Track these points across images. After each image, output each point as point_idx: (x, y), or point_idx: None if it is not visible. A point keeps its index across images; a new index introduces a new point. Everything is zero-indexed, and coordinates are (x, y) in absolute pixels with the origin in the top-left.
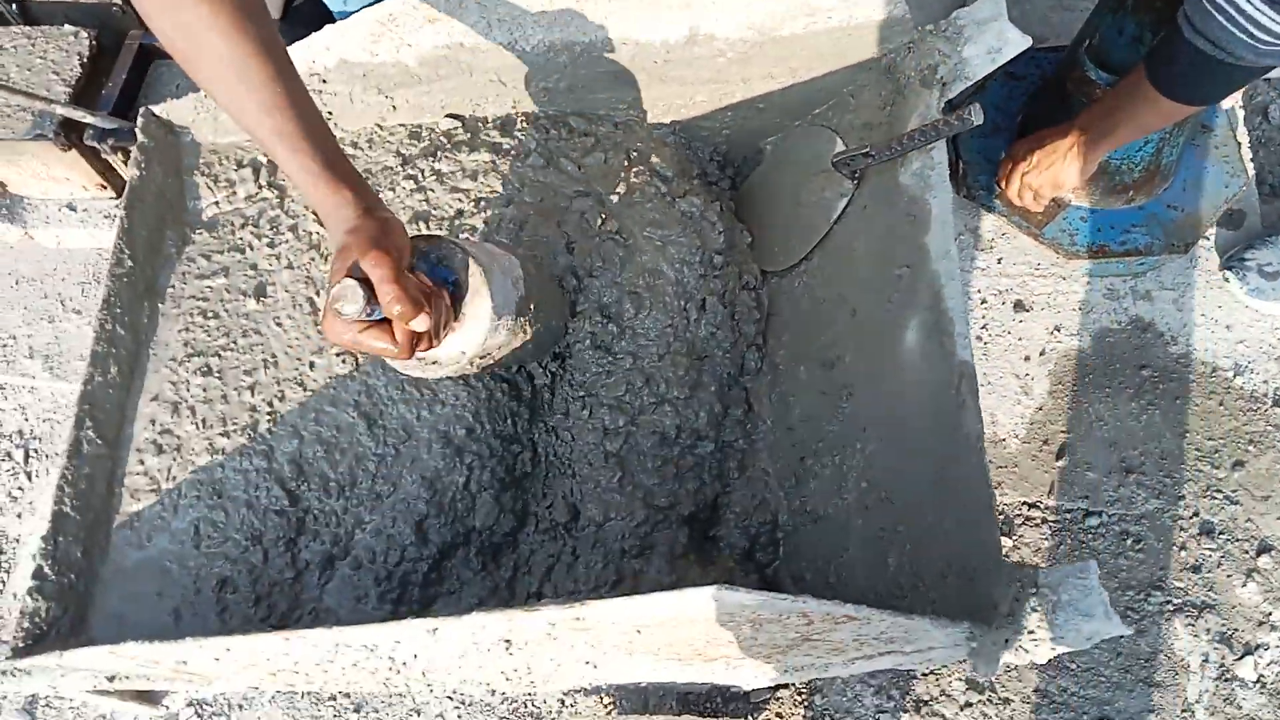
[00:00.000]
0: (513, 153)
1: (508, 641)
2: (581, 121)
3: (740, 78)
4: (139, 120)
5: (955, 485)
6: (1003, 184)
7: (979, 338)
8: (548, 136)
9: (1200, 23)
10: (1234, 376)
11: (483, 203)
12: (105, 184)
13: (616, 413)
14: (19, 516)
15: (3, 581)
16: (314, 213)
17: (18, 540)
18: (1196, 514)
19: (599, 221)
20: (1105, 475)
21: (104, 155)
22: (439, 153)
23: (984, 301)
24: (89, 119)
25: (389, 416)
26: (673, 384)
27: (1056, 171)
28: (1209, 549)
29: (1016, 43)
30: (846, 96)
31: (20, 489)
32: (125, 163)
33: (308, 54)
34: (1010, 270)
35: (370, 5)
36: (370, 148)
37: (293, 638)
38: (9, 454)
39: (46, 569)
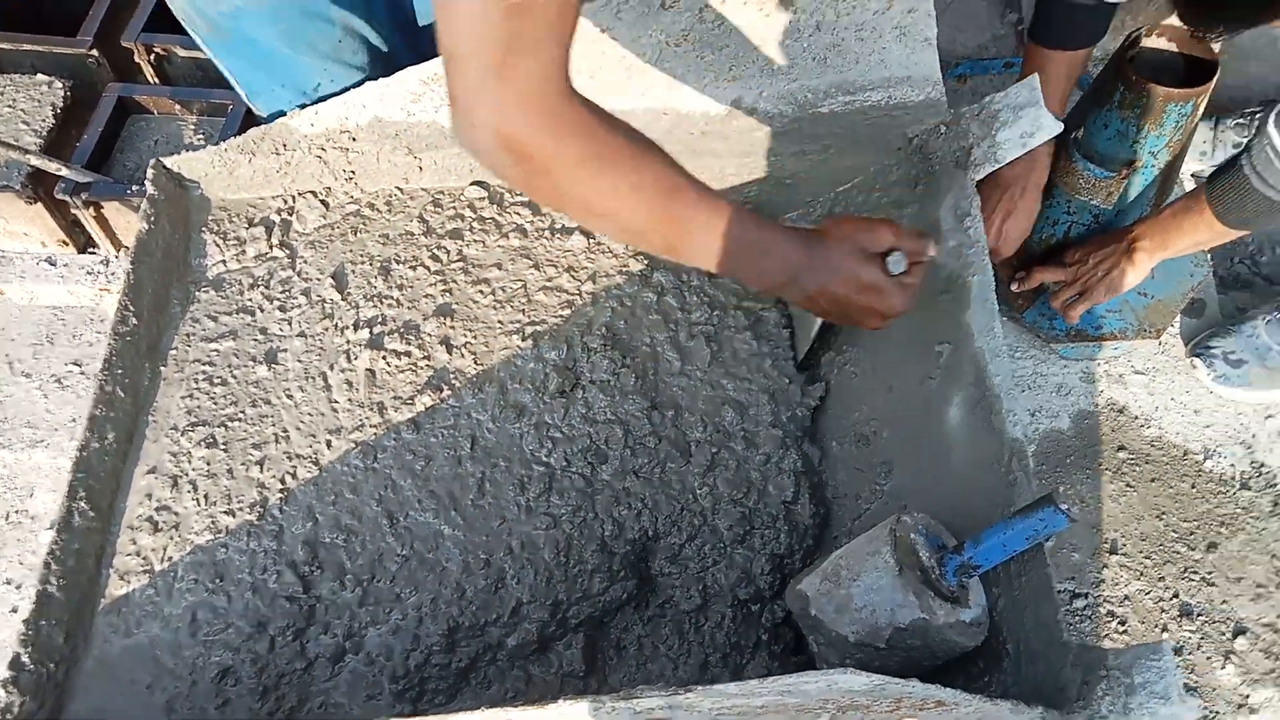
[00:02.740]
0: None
1: None
2: None
3: (773, 152)
4: (149, 172)
5: (1009, 562)
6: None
7: None
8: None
9: (1272, 179)
10: (1204, 460)
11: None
12: (68, 240)
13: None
14: None
15: None
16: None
17: None
18: (1176, 595)
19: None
20: (1090, 557)
21: (73, 210)
22: (464, 234)
23: None
24: (63, 171)
25: (415, 522)
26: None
27: (1113, 278)
28: (1189, 630)
29: (1050, 128)
30: (872, 176)
31: None
32: (96, 219)
33: (342, 110)
34: None
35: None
36: (389, 210)
37: None
38: None
39: (25, 658)
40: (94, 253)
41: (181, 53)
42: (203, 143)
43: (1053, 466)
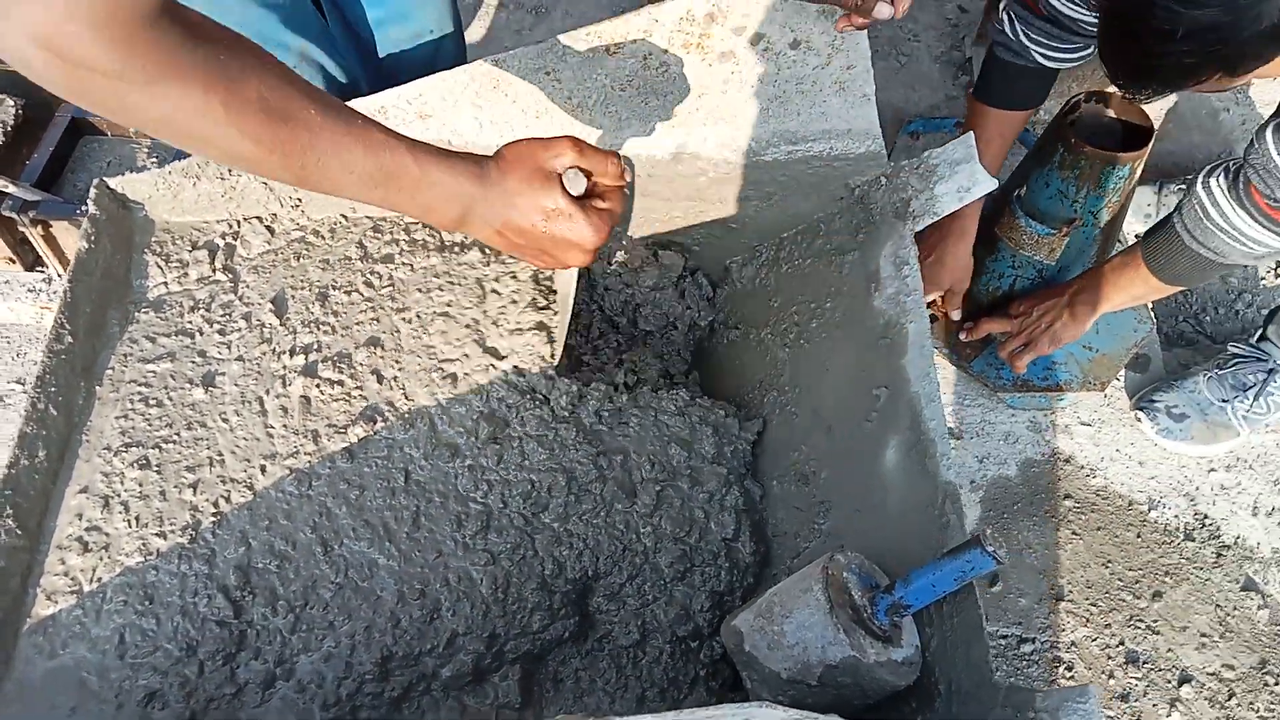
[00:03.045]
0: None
1: None
2: None
3: (718, 197)
4: (92, 192)
5: (941, 602)
6: (969, 333)
7: None
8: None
9: (1201, 236)
10: (1149, 510)
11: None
12: (15, 258)
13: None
14: None
15: None
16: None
17: None
18: (1122, 643)
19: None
20: (1036, 602)
21: (21, 228)
22: (395, 258)
23: None
24: (10, 188)
25: (350, 550)
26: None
27: (1056, 330)
28: (1135, 678)
29: (985, 184)
30: (816, 223)
31: None
32: (44, 237)
33: None
34: (943, 399)
35: None
36: (332, 236)
37: None
38: None
39: None
40: (41, 271)
41: None
42: (155, 166)
43: (1000, 512)
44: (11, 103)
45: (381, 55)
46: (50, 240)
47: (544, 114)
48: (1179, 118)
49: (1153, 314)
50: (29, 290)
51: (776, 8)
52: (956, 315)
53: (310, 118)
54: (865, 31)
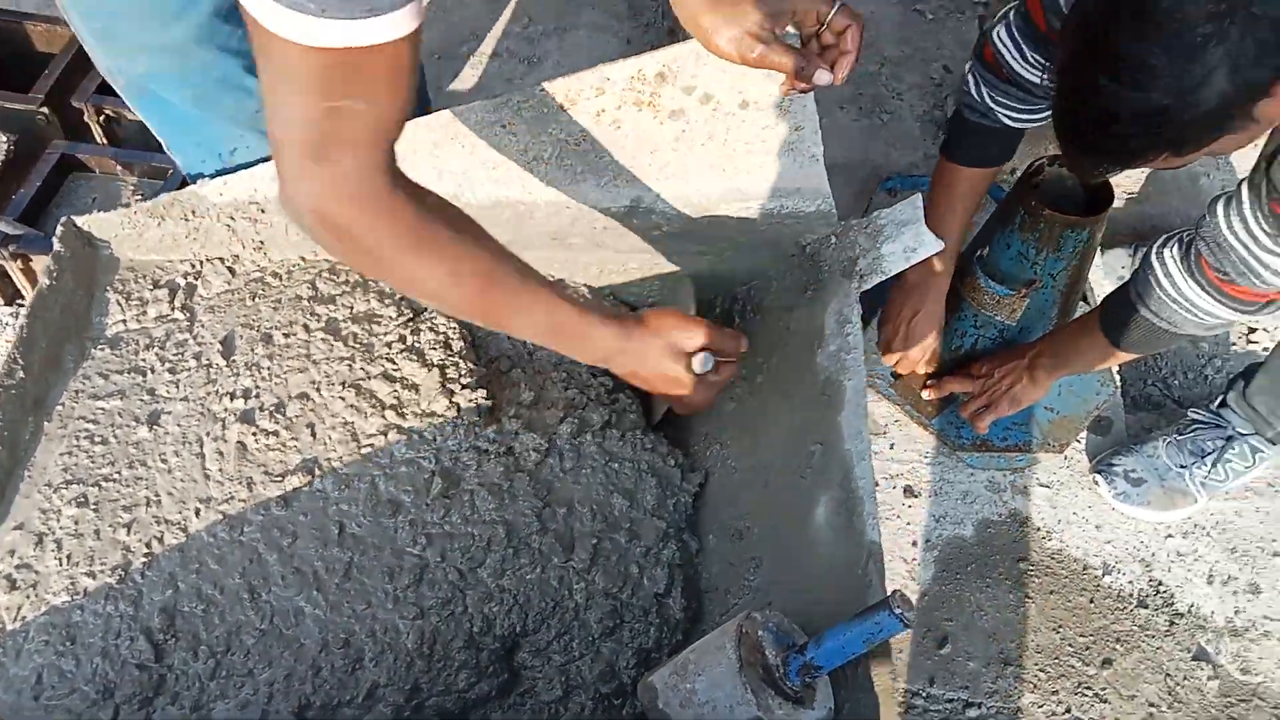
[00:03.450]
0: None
1: None
2: None
3: (673, 250)
4: (59, 229)
5: (855, 664)
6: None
7: None
8: None
9: (1155, 306)
10: (1103, 575)
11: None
12: None
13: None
14: None
15: None
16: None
17: None
18: (1069, 710)
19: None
20: (985, 666)
21: (1, 261)
22: (336, 299)
23: (876, 485)
24: None
25: (277, 597)
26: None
27: (1016, 392)
28: None
29: (931, 245)
30: (769, 279)
31: None
32: (24, 271)
33: (250, 182)
34: (901, 456)
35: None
36: (288, 278)
37: None
38: None
39: None
40: (21, 304)
41: (130, 116)
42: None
43: (954, 573)
44: (4, 138)
45: None
46: (29, 274)
47: (500, 166)
48: (1158, 180)
49: (1116, 377)
50: (3, 324)
51: (724, 69)
52: (904, 371)
53: (510, 284)
54: (811, 94)
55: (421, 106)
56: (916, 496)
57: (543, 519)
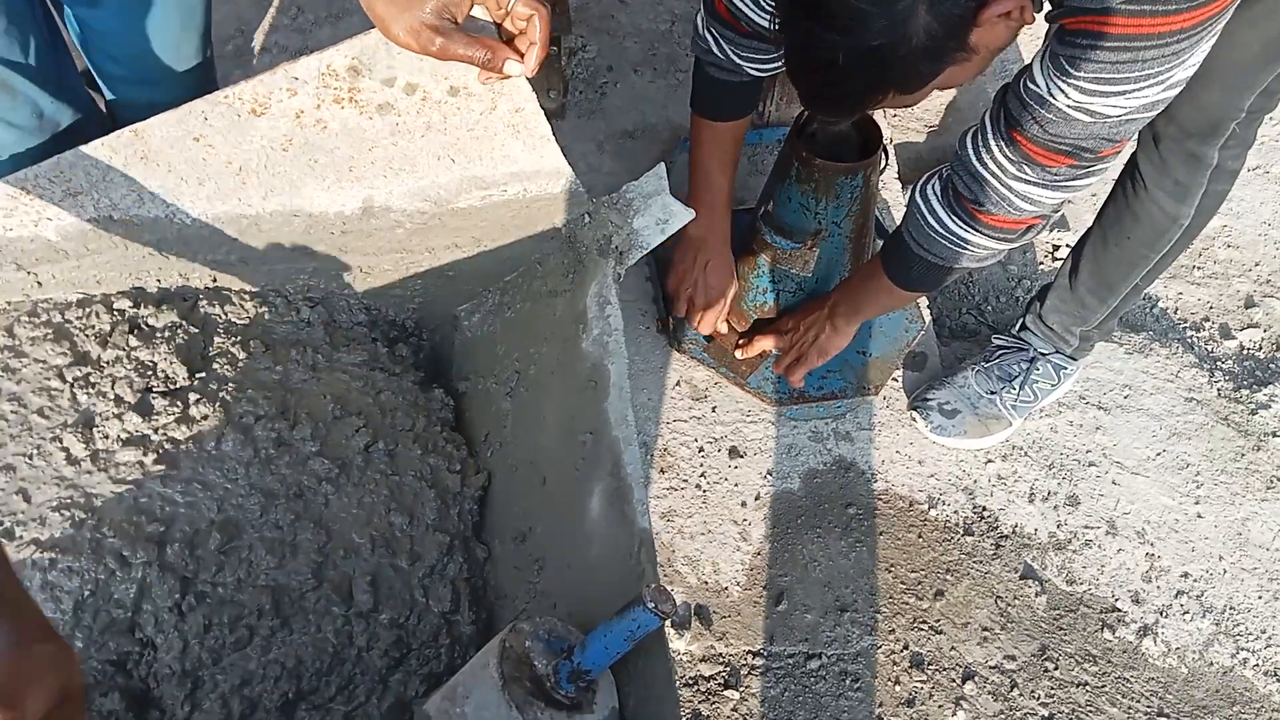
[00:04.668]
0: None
1: None
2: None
3: (425, 247)
4: None
5: (636, 658)
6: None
7: (699, 486)
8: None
9: (925, 244)
10: (929, 509)
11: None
12: None
13: None
14: None
15: None
16: None
17: None
18: (906, 647)
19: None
20: (822, 616)
21: None
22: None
23: (701, 450)
24: None
25: None
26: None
27: (822, 343)
28: (920, 681)
29: (681, 215)
30: (534, 264)
31: None
32: None
33: None
34: (724, 418)
35: None
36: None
37: None
38: None
39: None
40: None
41: None
42: None
43: (784, 528)
44: None
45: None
46: None
47: (208, 180)
48: (957, 112)
49: (925, 312)
50: None
51: (420, 57)
52: (707, 331)
53: None
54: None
55: None
56: (742, 456)
57: (317, 569)
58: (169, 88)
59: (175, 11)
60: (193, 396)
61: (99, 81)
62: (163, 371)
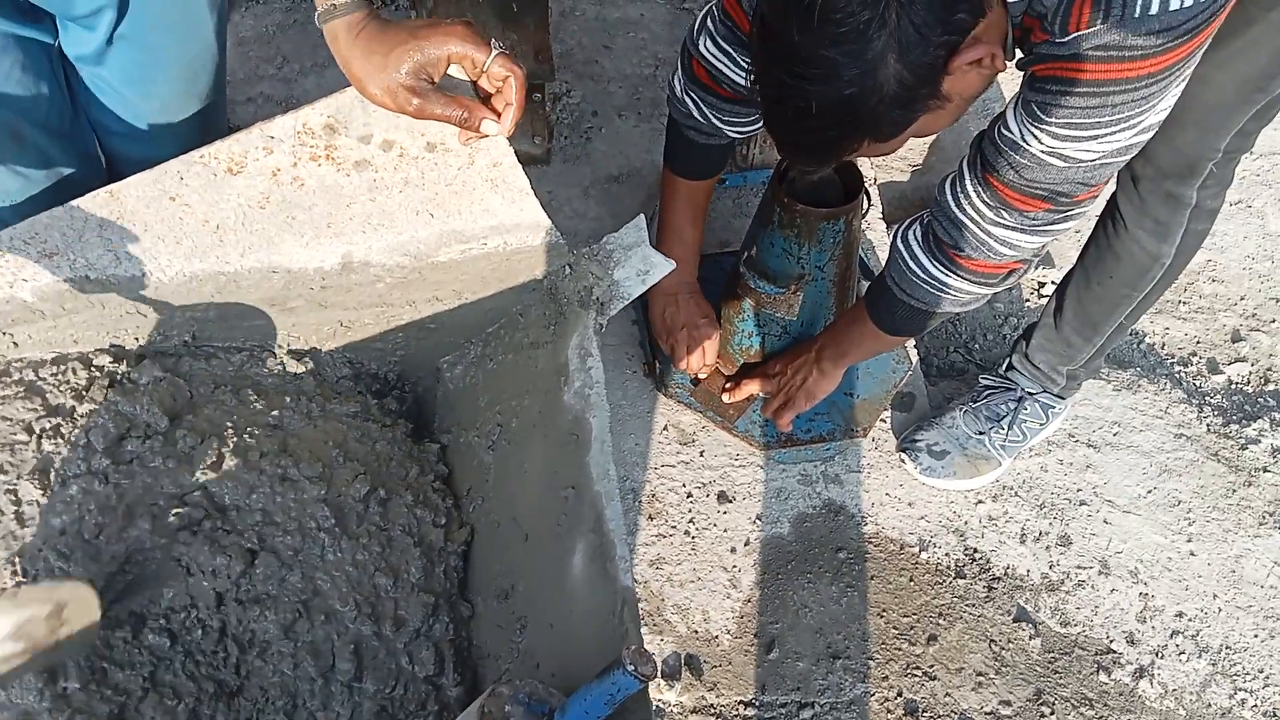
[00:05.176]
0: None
1: None
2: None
3: (405, 301)
4: None
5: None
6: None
7: (688, 532)
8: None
9: (908, 289)
10: (920, 551)
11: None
12: None
13: None
14: None
15: None
16: None
17: None
18: (900, 694)
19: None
20: (814, 664)
21: None
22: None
23: (689, 495)
24: None
25: None
26: None
27: (809, 386)
28: None
29: (661, 266)
30: (516, 316)
31: None
32: None
33: None
34: (712, 463)
35: None
36: None
37: None
38: None
39: None
40: None
41: None
42: None
43: (775, 573)
44: None
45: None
46: None
47: (185, 239)
48: (941, 150)
49: (913, 353)
50: None
51: (397, 115)
52: (694, 373)
53: None
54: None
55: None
56: (731, 501)
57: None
58: (167, 145)
59: (179, 79)
60: (179, 432)
61: (98, 136)
62: (142, 421)
